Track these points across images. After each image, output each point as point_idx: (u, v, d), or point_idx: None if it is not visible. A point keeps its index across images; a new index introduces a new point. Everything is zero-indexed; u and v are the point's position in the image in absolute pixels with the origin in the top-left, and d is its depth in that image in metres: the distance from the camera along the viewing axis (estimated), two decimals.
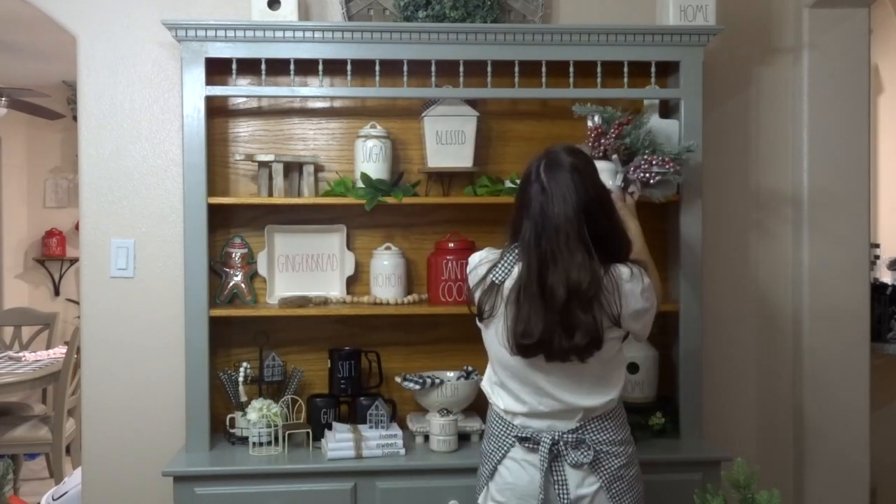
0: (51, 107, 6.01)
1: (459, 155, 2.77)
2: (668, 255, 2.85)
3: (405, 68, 2.66)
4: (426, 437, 2.65)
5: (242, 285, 2.82)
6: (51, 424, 4.70)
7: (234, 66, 2.63)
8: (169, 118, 2.84)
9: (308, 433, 2.65)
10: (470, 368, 2.75)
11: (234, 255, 2.83)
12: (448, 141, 2.76)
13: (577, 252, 1.94)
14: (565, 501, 2.02)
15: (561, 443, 2.03)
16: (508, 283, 2.01)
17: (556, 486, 2.03)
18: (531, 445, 2.05)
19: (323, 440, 2.62)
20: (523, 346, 1.96)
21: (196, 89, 2.61)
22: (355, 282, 2.89)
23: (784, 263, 3.05)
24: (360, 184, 2.74)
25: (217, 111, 2.81)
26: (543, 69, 2.69)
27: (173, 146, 2.83)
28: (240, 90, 2.74)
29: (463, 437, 2.64)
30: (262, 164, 2.75)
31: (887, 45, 4.30)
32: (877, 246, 4.21)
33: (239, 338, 2.84)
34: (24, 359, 5.14)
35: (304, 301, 2.73)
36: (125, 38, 2.83)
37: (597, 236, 1.97)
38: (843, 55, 2.98)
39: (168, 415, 2.82)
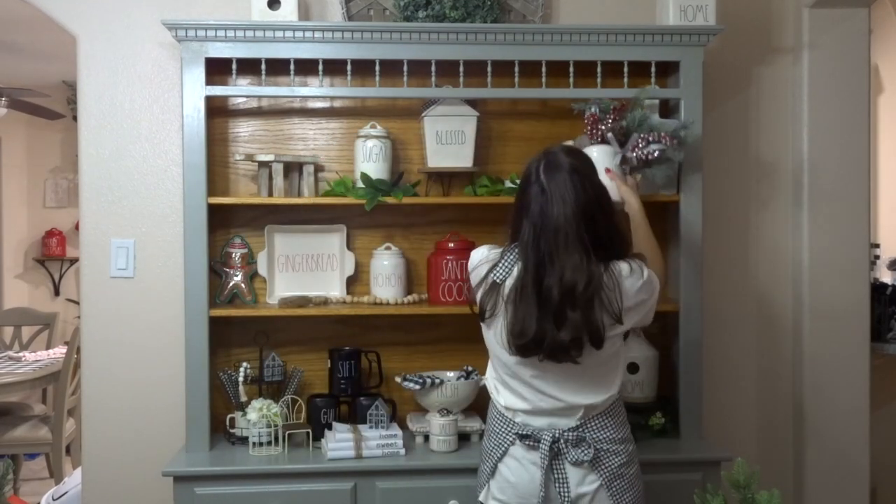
0: (51, 107, 6.01)
1: (459, 155, 2.77)
2: (668, 255, 2.84)
3: (405, 68, 2.66)
4: (426, 437, 2.65)
5: (242, 285, 2.82)
6: (51, 424, 4.70)
7: (234, 66, 2.63)
8: (169, 118, 2.84)
9: (308, 433, 2.65)
10: (470, 368, 2.75)
11: (234, 255, 2.83)
12: (448, 141, 2.76)
13: (574, 253, 1.94)
14: (566, 499, 2.02)
15: (561, 441, 2.04)
16: (509, 283, 2.02)
17: (557, 485, 2.03)
18: (531, 443, 2.05)
19: (323, 440, 2.63)
20: (519, 345, 1.98)
21: (196, 89, 2.61)
22: (355, 282, 2.89)
23: (784, 263, 3.05)
24: (360, 184, 2.74)
25: (217, 111, 2.81)
26: (543, 69, 2.69)
27: (173, 146, 2.83)
28: (240, 90, 2.74)
29: (463, 437, 2.64)
30: (262, 164, 2.75)
31: (887, 45, 4.30)
32: (877, 246, 4.21)
33: (239, 338, 2.84)
34: (24, 359, 5.13)
35: (304, 301, 2.73)
36: (125, 38, 2.83)
37: (596, 236, 1.98)
38: (843, 55, 2.98)
39: (168, 415, 2.82)
